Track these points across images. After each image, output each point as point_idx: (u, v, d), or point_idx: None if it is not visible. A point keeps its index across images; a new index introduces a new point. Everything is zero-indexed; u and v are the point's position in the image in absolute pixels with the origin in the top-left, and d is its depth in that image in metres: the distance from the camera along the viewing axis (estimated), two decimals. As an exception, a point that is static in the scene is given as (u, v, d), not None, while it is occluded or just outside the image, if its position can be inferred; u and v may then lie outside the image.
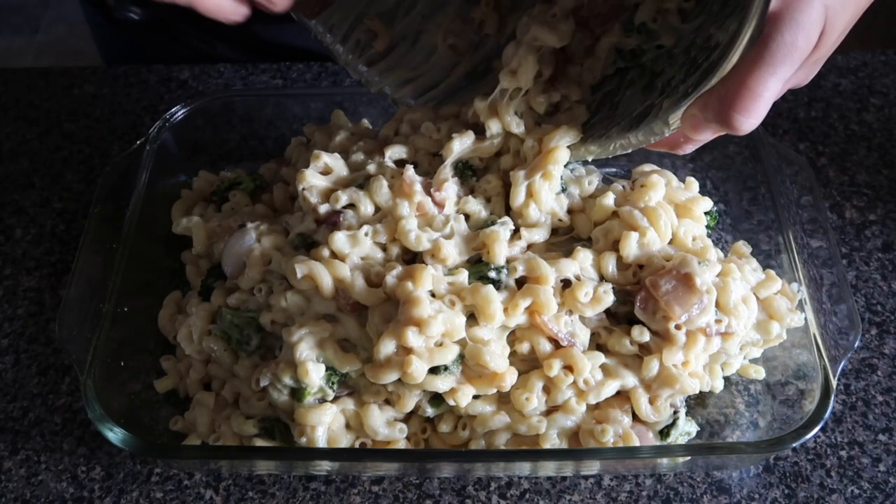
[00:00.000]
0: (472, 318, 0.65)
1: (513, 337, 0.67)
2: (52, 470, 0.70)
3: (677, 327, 0.64)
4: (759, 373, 0.70)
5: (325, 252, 0.66)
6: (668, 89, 0.61)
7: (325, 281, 0.65)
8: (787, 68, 0.53)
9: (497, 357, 0.63)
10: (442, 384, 0.63)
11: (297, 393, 0.65)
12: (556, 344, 0.66)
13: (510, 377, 0.64)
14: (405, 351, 0.61)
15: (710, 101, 0.55)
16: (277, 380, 0.65)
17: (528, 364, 0.67)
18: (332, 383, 0.65)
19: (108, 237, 0.74)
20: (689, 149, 0.65)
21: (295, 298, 0.66)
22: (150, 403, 0.70)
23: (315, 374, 0.64)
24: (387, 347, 0.62)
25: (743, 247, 0.74)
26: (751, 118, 0.54)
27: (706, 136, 0.59)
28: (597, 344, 0.68)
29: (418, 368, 0.61)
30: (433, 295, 0.64)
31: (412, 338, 0.61)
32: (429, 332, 0.61)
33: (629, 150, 0.64)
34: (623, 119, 0.65)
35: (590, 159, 0.67)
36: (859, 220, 0.85)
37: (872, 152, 0.91)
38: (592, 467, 0.67)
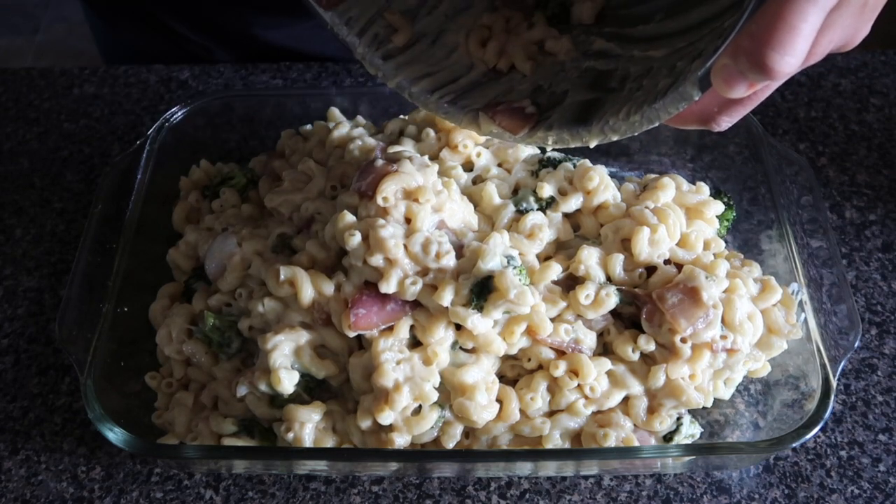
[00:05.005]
0: (460, 351, 0.65)
1: (514, 356, 0.67)
2: (52, 470, 0.69)
3: (683, 340, 0.64)
4: (765, 368, 0.70)
5: (304, 259, 0.67)
6: (696, 58, 0.57)
7: (306, 290, 0.65)
8: None
9: (484, 410, 0.63)
10: (429, 437, 0.64)
11: (276, 400, 0.65)
12: (560, 353, 0.66)
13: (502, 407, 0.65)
14: (386, 427, 0.62)
15: (742, 43, 0.49)
16: (255, 388, 0.65)
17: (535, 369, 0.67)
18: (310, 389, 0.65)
19: (108, 237, 0.74)
20: (724, 122, 0.58)
21: (272, 304, 0.66)
22: (150, 403, 0.70)
23: (288, 382, 0.63)
24: (364, 423, 0.62)
25: (737, 253, 0.74)
26: (787, 55, 0.47)
27: (740, 90, 0.51)
28: (603, 343, 0.68)
29: (401, 442, 0.62)
30: (417, 340, 0.64)
31: (385, 418, 0.61)
32: (395, 408, 0.61)
33: (656, 124, 0.59)
34: (648, 94, 0.60)
35: (615, 139, 0.62)
36: (859, 220, 0.85)
37: (872, 152, 0.91)
38: (593, 467, 0.67)
